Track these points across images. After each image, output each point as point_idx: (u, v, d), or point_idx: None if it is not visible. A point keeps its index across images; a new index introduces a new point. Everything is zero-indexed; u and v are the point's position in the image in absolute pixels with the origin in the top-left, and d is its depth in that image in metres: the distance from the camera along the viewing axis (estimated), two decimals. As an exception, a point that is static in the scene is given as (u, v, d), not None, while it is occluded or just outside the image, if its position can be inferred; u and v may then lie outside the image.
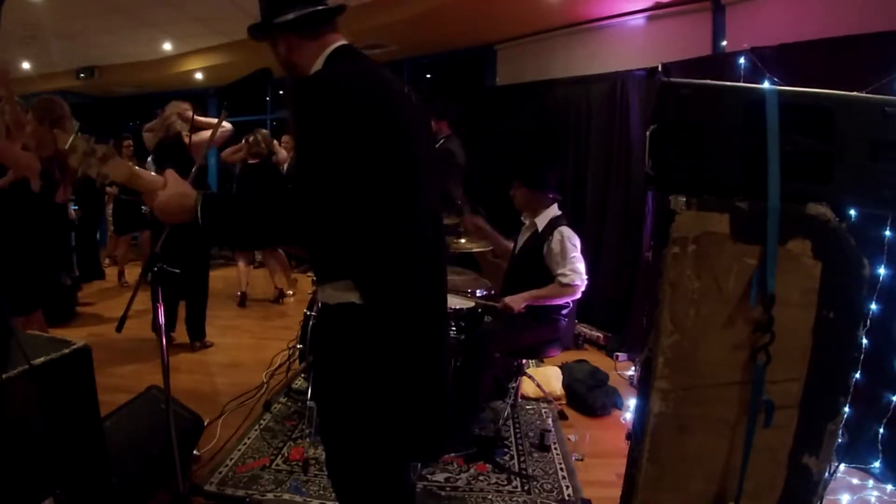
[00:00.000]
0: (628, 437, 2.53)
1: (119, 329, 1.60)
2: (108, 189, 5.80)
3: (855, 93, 1.21)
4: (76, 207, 5.39)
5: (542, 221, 2.77)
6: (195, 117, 3.44)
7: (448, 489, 2.31)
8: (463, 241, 3.20)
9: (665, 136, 1.26)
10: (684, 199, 1.23)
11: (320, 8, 1.26)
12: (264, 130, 5.04)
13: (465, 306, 2.86)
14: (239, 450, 2.55)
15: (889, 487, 2.33)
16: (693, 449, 1.27)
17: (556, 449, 2.67)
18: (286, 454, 2.54)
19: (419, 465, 2.32)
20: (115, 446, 1.83)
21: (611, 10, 4.44)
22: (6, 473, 1.38)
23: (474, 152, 5.52)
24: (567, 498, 2.29)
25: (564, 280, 2.61)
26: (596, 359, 3.78)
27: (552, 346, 2.83)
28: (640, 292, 4.05)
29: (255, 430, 2.75)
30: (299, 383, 3.21)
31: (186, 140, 3.43)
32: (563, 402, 3.21)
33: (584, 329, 4.29)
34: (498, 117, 5.53)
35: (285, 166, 5.92)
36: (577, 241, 2.69)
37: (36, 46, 6.52)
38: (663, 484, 1.29)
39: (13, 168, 2.54)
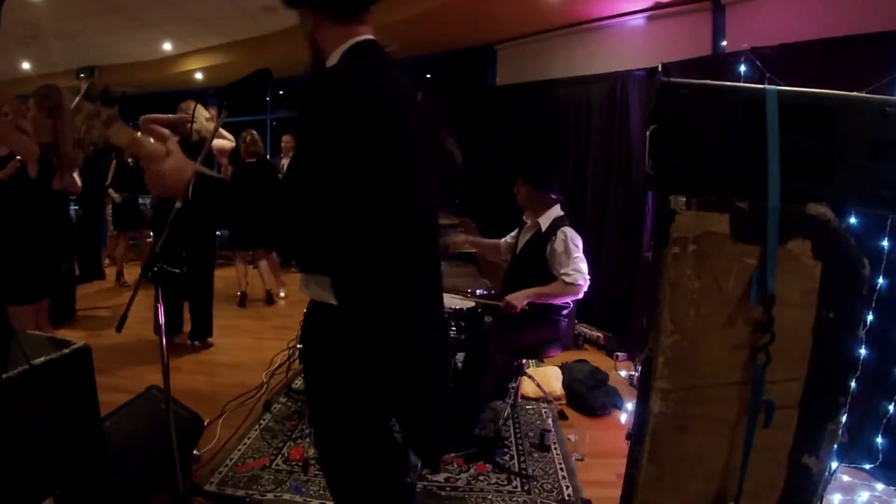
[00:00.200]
0: (628, 437, 2.54)
1: (119, 329, 1.60)
2: (109, 192, 5.81)
3: (855, 93, 1.21)
4: (77, 207, 5.40)
5: (545, 221, 2.77)
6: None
7: (448, 489, 2.31)
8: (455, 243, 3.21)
9: (665, 136, 1.26)
10: (684, 199, 1.23)
11: None
12: (253, 131, 5.07)
13: (465, 306, 2.86)
14: (239, 450, 2.55)
15: (880, 486, 2.34)
16: (693, 449, 1.27)
17: (556, 449, 2.67)
18: (286, 454, 2.54)
19: (419, 465, 2.32)
20: (115, 446, 1.83)
21: (611, 10, 4.44)
22: (6, 473, 1.39)
23: (475, 152, 5.54)
24: (567, 498, 2.29)
25: (568, 279, 2.61)
26: (596, 359, 3.78)
27: (552, 346, 2.83)
28: (640, 292, 4.05)
29: (255, 430, 2.75)
30: (299, 383, 3.21)
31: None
32: (563, 402, 3.21)
33: (584, 329, 4.29)
34: (498, 117, 5.53)
35: (284, 164, 5.94)
36: (580, 242, 2.69)
37: (36, 46, 6.53)
38: (663, 484, 1.29)
39: (13, 151, 2.56)
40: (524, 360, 2.98)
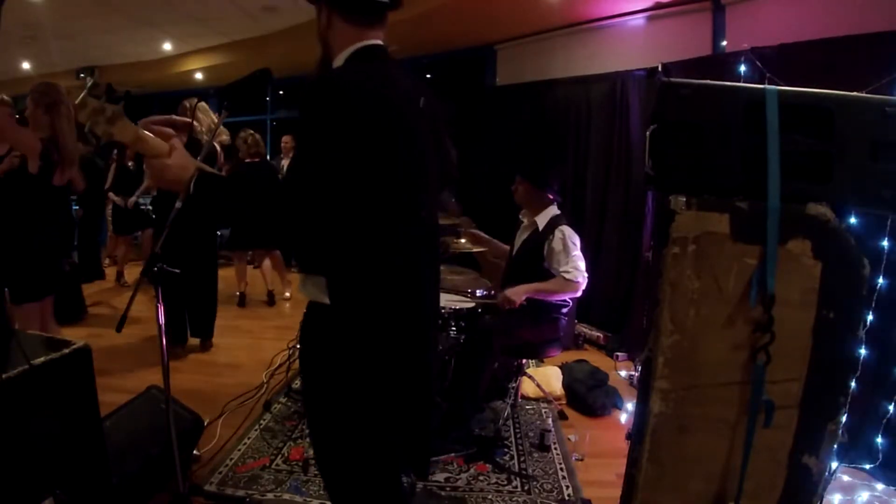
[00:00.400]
0: (628, 437, 2.54)
1: (119, 329, 1.60)
2: (109, 195, 5.81)
3: (855, 93, 1.21)
4: (77, 207, 5.39)
5: (542, 220, 2.77)
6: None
7: (448, 489, 2.31)
8: (463, 241, 3.21)
9: (665, 136, 1.26)
10: (684, 199, 1.23)
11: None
12: (251, 131, 5.07)
13: (465, 306, 2.86)
14: (239, 450, 2.55)
15: (880, 486, 2.34)
16: (693, 449, 1.27)
17: (556, 449, 2.67)
18: (286, 454, 2.54)
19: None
20: (115, 446, 1.83)
21: (611, 10, 4.44)
22: (6, 473, 1.39)
23: (475, 152, 5.54)
24: (567, 498, 2.29)
25: (568, 276, 2.61)
26: (596, 359, 3.79)
27: (552, 346, 2.83)
28: (640, 292, 4.05)
29: (255, 430, 2.75)
30: (299, 383, 3.21)
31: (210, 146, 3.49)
32: (563, 402, 3.21)
33: (584, 329, 4.29)
34: (498, 117, 5.53)
35: (284, 164, 5.94)
36: (578, 240, 2.70)
37: (36, 46, 6.53)
38: (663, 484, 1.29)
39: (15, 147, 2.54)
40: (524, 360, 2.98)
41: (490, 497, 2.27)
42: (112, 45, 6.74)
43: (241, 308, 5.16)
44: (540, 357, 3.44)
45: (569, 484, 2.38)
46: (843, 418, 1.22)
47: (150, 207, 5.66)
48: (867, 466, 2.40)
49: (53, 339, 1.66)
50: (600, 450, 2.70)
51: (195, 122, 3.46)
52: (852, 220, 1.22)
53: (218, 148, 3.78)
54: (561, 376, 3.33)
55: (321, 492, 2.24)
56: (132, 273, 6.12)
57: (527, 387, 3.19)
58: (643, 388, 1.32)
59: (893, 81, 2.32)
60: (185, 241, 3.65)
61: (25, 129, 2.63)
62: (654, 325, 1.28)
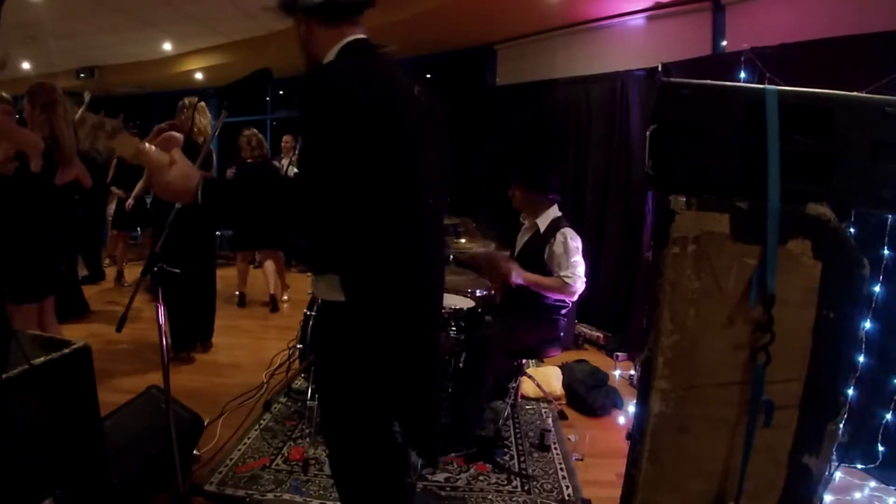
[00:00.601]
0: (628, 437, 2.53)
1: (119, 329, 1.60)
2: (112, 189, 5.79)
3: (855, 93, 1.21)
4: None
5: (543, 222, 2.77)
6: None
7: (448, 489, 2.31)
8: (463, 241, 3.21)
9: (665, 136, 1.26)
10: (684, 199, 1.23)
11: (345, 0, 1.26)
12: (255, 130, 5.06)
13: (465, 306, 2.87)
14: (239, 450, 2.55)
15: (872, 483, 2.34)
16: (693, 449, 1.27)
17: (556, 449, 2.67)
18: (286, 454, 2.54)
19: (419, 465, 2.32)
20: (115, 446, 1.83)
21: (611, 10, 4.44)
22: (6, 473, 1.38)
23: (474, 152, 5.54)
24: (567, 498, 2.29)
25: (567, 280, 2.62)
26: (596, 359, 3.79)
27: (552, 346, 2.83)
28: (640, 292, 4.05)
29: (255, 430, 2.75)
30: (299, 383, 3.21)
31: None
32: (563, 402, 3.21)
33: (584, 329, 4.29)
34: (498, 117, 5.53)
35: (284, 164, 5.93)
36: (579, 243, 2.70)
37: (36, 46, 6.52)
38: (663, 484, 1.29)
39: (18, 146, 2.53)
40: (524, 360, 2.98)
41: (490, 497, 2.27)
42: (112, 45, 6.74)
43: (241, 308, 5.16)
44: (540, 357, 3.44)
45: (569, 484, 2.38)
46: (844, 418, 1.22)
47: (151, 206, 5.65)
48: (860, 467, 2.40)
49: (53, 339, 1.66)
50: (600, 450, 2.70)
51: (193, 124, 3.46)
52: (851, 230, 1.22)
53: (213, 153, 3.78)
54: (561, 376, 3.32)
55: (321, 492, 2.24)
56: (132, 273, 6.12)
57: (527, 387, 3.19)
58: (643, 388, 1.32)
59: (893, 81, 2.32)
60: (183, 241, 3.66)
61: (27, 129, 2.63)
62: (653, 325, 1.28)
